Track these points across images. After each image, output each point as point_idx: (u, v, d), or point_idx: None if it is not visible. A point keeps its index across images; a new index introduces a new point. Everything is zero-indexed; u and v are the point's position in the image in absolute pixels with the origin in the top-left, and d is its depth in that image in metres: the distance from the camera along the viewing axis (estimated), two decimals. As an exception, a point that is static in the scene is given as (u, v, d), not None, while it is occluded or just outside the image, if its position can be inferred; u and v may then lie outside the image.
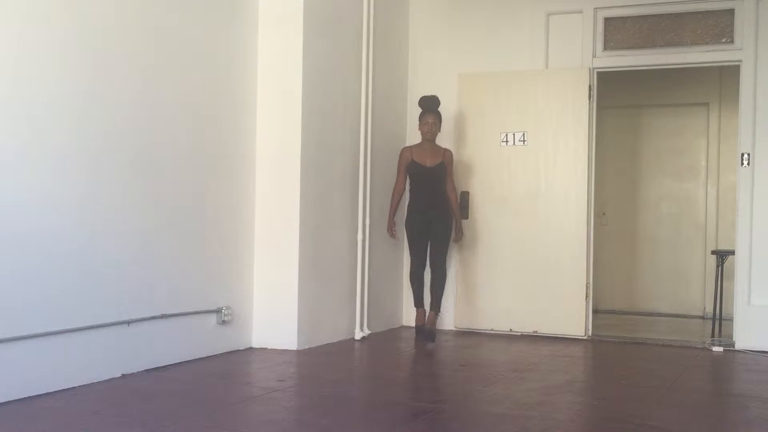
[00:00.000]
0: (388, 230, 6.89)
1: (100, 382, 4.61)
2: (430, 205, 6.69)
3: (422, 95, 6.92)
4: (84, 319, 4.54)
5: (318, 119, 6.16)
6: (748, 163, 6.56)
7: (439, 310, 6.73)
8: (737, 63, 6.69)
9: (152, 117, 5.06)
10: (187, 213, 5.38)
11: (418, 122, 6.85)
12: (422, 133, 6.79)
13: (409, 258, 6.94)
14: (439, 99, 6.81)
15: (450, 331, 7.25)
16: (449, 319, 7.35)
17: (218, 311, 5.66)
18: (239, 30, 5.87)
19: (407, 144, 7.25)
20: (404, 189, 6.82)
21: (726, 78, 8.54)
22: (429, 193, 6.70)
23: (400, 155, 6.81)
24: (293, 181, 5.95)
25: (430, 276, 6.74)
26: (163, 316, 5.14)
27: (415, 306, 6.93)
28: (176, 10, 5.26)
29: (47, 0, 4.32)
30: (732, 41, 6.71)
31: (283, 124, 5.98)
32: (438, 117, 6.76)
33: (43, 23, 4.30)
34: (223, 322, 5.69)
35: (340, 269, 6.51)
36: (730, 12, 6.71)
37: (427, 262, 6.77)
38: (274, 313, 5.98)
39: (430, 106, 6.79)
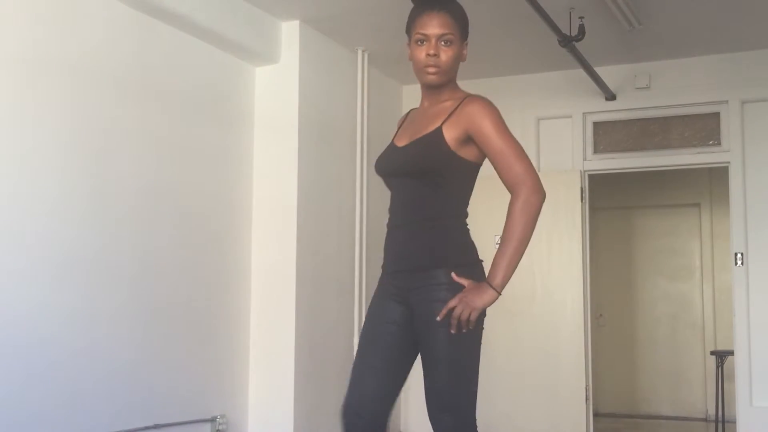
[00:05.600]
0: None
1: (90, 496, 4.48)
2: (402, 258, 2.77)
3: None
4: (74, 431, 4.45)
5: (313, 228, 6.19)
6: (742, 263, 6.59)
7: None
8: (725, 164, 6.79)
9: (148, 229, 5.08)
10: (182, 321, 5.34)
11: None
12: (418, 66, 2.79)
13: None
14: None
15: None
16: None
17: (213, 420, 5.55)
18: (236, 138, 5.96)
19: None
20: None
21: (715, 178, 8.66)
22: (401, 213, 2.82)
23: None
24: (289, 290, 5.93)
25: None
26: (156, 426, 5.04)
27: None
28: (175, 120, 5.37)
29: (45, 110, 4.43)
30: (719, 143, 6.82)
31: (278, 233, 5.99)
32: (457, 21, 2.77)
33: (41, 132, 4.39)
34: (218, 431, 5.59)
35: (337, 376, 6.40)
36: (716, 115, 6.84)
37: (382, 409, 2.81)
38: (270, 421, 5.86)
39: None
